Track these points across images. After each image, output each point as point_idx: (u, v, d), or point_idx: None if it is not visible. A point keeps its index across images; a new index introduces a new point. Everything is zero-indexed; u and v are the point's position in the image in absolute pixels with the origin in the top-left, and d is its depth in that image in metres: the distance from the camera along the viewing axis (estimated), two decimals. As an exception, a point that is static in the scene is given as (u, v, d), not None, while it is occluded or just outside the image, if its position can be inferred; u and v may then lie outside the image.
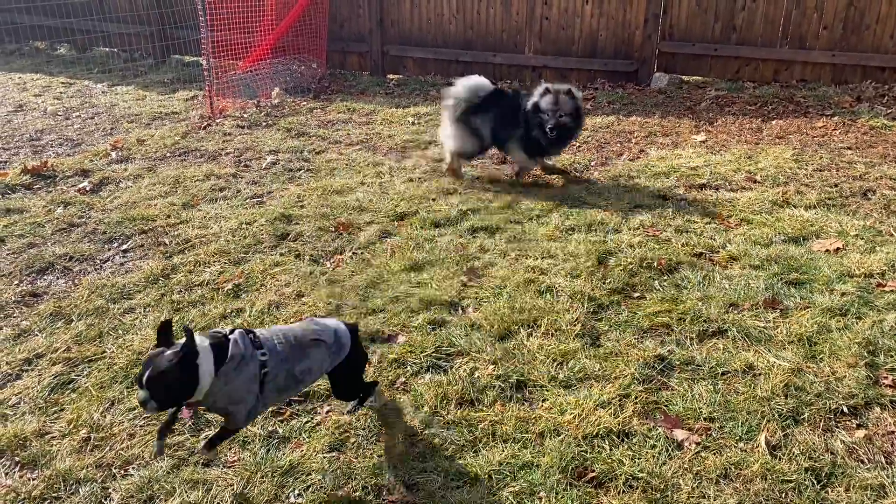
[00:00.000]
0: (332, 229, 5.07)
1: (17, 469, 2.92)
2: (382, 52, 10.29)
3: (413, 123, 7.84)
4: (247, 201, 5.68)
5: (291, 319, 3.86)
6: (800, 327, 3.63)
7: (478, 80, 5.95)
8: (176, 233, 5.08)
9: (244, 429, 2.94)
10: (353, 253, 4.71)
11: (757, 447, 2.89)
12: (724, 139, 6.91)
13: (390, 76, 10.33)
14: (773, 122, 7.37)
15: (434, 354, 3.54)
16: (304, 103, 8.75)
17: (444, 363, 3.49)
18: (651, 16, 8.87)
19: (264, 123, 7.89)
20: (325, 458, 2.93)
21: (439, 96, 7.52)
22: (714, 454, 2.87)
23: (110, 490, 2.77)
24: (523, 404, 3.20)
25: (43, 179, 6.13)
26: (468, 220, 5.15)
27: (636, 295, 4.03)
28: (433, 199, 5.58)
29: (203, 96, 8.76)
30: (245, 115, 8.13)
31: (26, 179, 6.08)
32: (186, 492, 2.75)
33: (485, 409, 3.17)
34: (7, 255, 4.79)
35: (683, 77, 9.05)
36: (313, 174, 6.27)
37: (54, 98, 9.10)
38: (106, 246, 4.94)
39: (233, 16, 8.49)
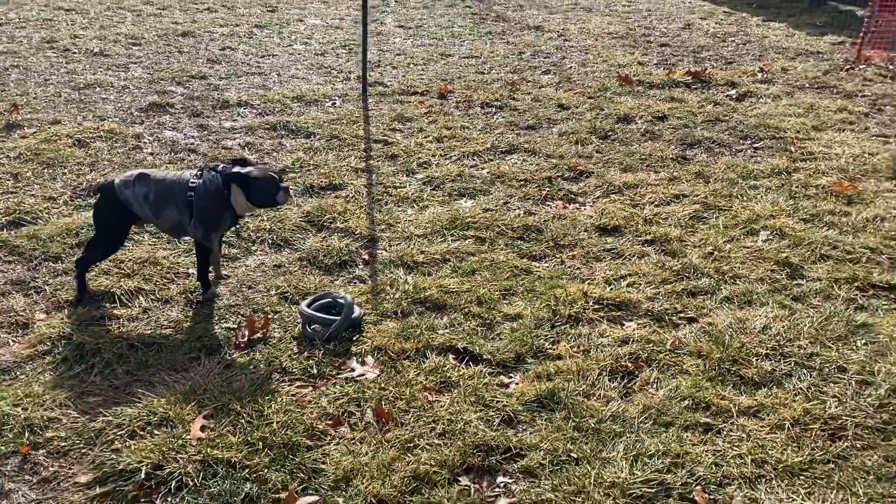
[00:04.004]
0: (957, 179, 5.20)
1: (661, 255, 4.25)
2: None
3: None
4: (872, 137, 6.08)
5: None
6: None
7: None
8: (802, 145, 5.85)
9: None
10: (973, 203, 4.84)
11: None
12: None
13: None
14: None
15: None
16: (961, 66, 8.31)
17: None
18: None
19: (909, 77, 7.87)
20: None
21: None
22: None
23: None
24: None
25: (700, 82, 7.47)
26: None
27: None
28: None
29: (852, 43, 9.03)
30: (890, 67, 8.20)
31: (688, 79, 7.51)
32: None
33: None
34: (668, 128, 6.23)
35: None
36: (951, 130, 6.26)
37: (715, 23, 10.45)
38: (742, 141, 6.01)
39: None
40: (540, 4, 11.36)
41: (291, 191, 4.02)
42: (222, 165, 3.60)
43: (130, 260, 4.01)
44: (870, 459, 2.80)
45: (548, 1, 11.61)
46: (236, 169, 3.53)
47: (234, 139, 5.75)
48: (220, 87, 6.91)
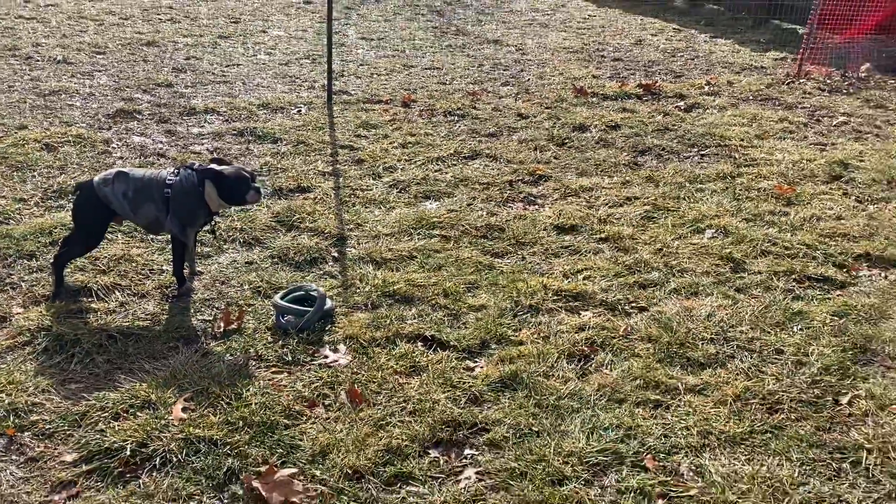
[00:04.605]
0: (886, 182, 5.59)
1: (614, 251, 4.52)
2: None
3: None
4: (811, 145, 6.48)
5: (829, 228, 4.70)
6: None
7: None
8: (746, 152, 6.21)
9: None
10: (901, 204, 5.24)
11: None
12: None
13: None
14: None
15: None
16: (892, 82, 8.86)
17: None
18: None
19: (843, 91, 8.36)
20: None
21: None
22: None
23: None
24: None
25: (651, 94, 7.83)
26: None
27: None
28: None
29: (793, 59, 9.53)
30: (828, 81, 8.69)
31: (639, 92, 7.86)
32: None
33: None
34: (621, 136, 6.55)
35: None
36: (881, 139, 6.70)
37: (665, 39, 10.90)
38: (690, 148, 6.35)
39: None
40: (499, 20, 11.69)
41: (263, 191, 4.17)
42: (199, 163, 3.75)
43: (105, 257, 4.12)
44: (803, 429, 3.07)
45: (506, 17, 11.95)
46: (211, 166, 3.69)
47: (203, 144, 5.88)
48: (187, 95, 7.02)
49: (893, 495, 2.77)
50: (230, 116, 6.52)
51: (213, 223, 3.96)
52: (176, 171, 3.72)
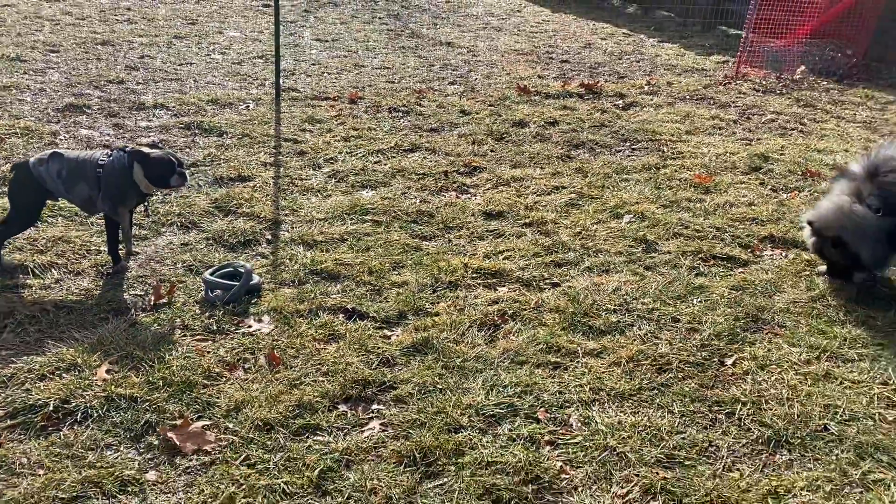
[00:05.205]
0: (801, 173, 5.93)
1: (537, 235, 4.78)
2: (930, 51, 9.99)
3: (929, 119, 7.85)
4: (737, 141, 6.82)
5: (719, 211, 5.01)
6: None
7: None
8: (674, 147, 6.52)
9: None
10: (810, 192, 5.56)
11: None
12: None
13: (930, 77, 10.00)
14: None
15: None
16: (824, 83, 9.27)
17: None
18: None
19: (777, 92, 8.75)
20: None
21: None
22: None
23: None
24: None
25: (592, 94, 8.13)
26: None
27: None
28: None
29: (732, 62, 9.92)
30: (763, 83, 9.08)
31: (581, 91, 8.17)
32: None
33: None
34: (558, 132, 6.84)
35: None
36: (804, 135, 7.06)
37: (614, 43, 11.25)
38: (622, 143, 6.65)
39: (786, -4, 9.40)
40: (454, 24, 11.97)
41: (188, 176, 4.31)
42: (131, 146, 3.94)
43: (44, 238, 4.28)
44: (687, 386, 3.34)
45: (462, 21, 12.23)
46: (140, 148, 3.88)
47: (150, 137, 6.04)
48: (138, 91, 7.18)
49: (760, 441, 3.04)
50: (179, 111, 6.69)
51: (146, 203, 4.14)
52: (109, 152, 3.91)
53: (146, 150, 3.88)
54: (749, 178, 5.85)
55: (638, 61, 10.10)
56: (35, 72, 7.58)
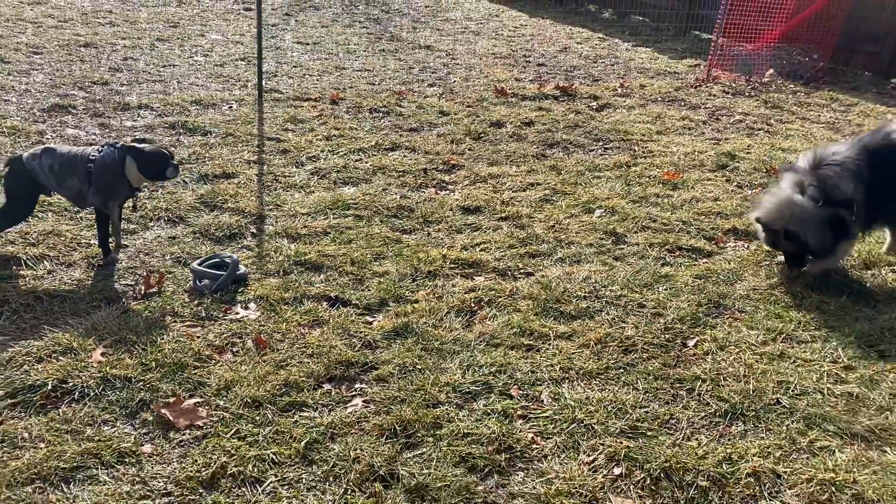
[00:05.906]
0: (765, 171, 6.20)
1: (512, 228, 4.99)
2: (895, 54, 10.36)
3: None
4: (706, 140, 7.08)
5: (695, 209, 5.25)
6: None
7: None
8: (645, 146, 6.78)
9: None
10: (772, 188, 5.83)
11: None
12: None
13: (894, 80, 10.37)
14: None
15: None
16: (791, 86, 9.60)
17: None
18: None
19: (746, 94, 9.05)
20: (689, 277, 4.35)
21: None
22: None
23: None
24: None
25: (567, 96, 8.39)
26: None
27: None
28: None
29: (704, 66, 10.23)
30: (733, 86, 9.39)
31: (556, 93, 8.41)
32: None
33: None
34: (534, 132, 7.07)
35: None
36: (770, 134, 7.35)
37: (590, 47, 11.53)
38: (595, 142, 6.89)
39: (753, 1, 9.71)
40: (433, 28, 12.19)
41: (181, 170, 4.50)
42: (122, 142, 4.10)
43: (36, 232, 4.42)
44: (651, 366, 3.56)
45: (441, 25, 12.46)
46: (132, 144, 4.04)
47: (135, 136, 6.18)
48: (122, 92, 7.31)
49: (717, 413, 3.27)
50: (163, 111, 6.83)
51: (135, 197, 4.30)
52: (100, 148, 4.06)
53: (138, 145, 4.05)
54: (716, 175, 6.11)
55: (612, 65, 10.37)
56: (19, 73, 7.68)
